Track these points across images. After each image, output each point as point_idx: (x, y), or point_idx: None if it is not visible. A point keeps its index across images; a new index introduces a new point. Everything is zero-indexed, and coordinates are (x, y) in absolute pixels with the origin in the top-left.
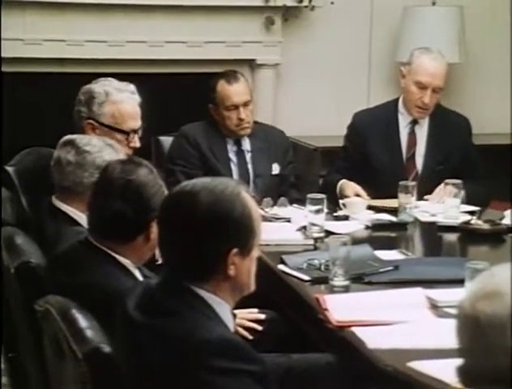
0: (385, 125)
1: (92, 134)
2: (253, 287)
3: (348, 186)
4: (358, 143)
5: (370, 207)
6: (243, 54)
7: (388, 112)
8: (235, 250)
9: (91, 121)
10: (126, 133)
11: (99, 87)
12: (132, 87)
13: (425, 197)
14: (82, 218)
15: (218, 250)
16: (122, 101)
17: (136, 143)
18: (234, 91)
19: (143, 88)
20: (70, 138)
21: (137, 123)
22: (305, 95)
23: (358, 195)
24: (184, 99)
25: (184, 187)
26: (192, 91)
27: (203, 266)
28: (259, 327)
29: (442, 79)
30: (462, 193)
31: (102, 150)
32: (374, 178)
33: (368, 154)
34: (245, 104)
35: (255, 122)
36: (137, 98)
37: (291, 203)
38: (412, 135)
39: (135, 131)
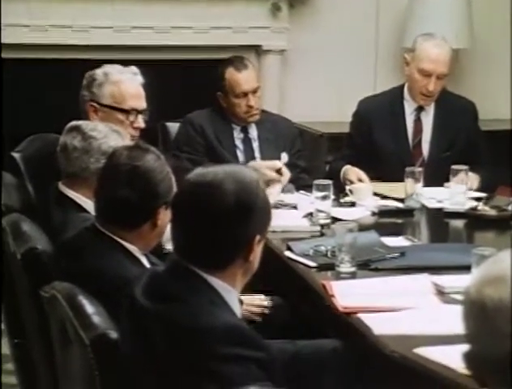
0: (390, 112)
1: (95, 117)
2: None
3: (351, 171)
4: (364, 130)
5: (376, 194)
6: (249, 40)
7: (393, 99)
8: (258, 238)
9: (93, 103)
10: (127, 112)
11: (100, 69)
12: (134, 68)
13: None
14: (88, 204)
15: (244, 238)
16: (122, 81)
17: (140, 124)
18: (243, 78)
19: (149, 74)
20: (76, 124)
21: (139, 103)
22: (311, 81)
23: (361, 180)
24: (190, 85)
25: (204, 176)
26: (198, 77)
27: (226, 254)
28: (266, 311)
29: (446, 65)
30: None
31: (108, 136)
32: (380, 166)
33: (374, 141)
34: (254, 91)
35: (263, 111)
36: (139, 78)
37: (302, 188)
38: (418, 122)
39: (139, 111)
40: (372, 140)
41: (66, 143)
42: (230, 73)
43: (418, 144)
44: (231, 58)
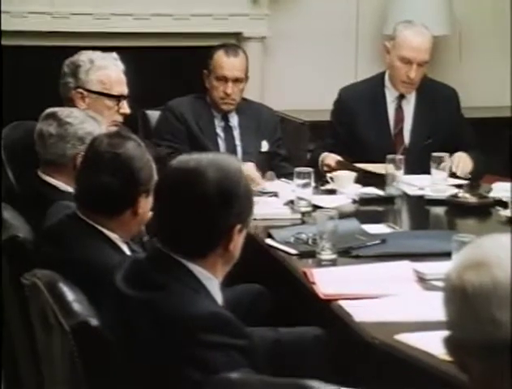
0: (372, 100)
1: (82, 104)
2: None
3: (329, 157)
4: (345, 119)
5: (358, 180)
6: (230, 27)
7: (375, 87)
8: (238, 226)
9: (79, 90)
10: (116, 98)
11: (83, 56)
12: (115, 55)
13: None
14: (68, 191)
15: (224, 226)
16: (108, 67)
17: (126, 109)
18: (229, 63)
19: (129, 62)
20: (52, 111)
21: (124, 89)
22: (292, 68)
23: (341, 165)
24: (170, 72)
25: (187, 163)
26: (178, 64)
27: (206, 242)
28: None
29: (427, 52)
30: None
31: (84, 121)
32: (362, 154)
33: (355, 130)
34: (236, 81)
35: (244, 99)
36: (120, 65)
37: (283, 176)
38: (399, 110)
39: (124, 97)
40: (353, 128)
41: (42, 130)
42: (218, 55)
43: (399, 133)
44: (226, 43)
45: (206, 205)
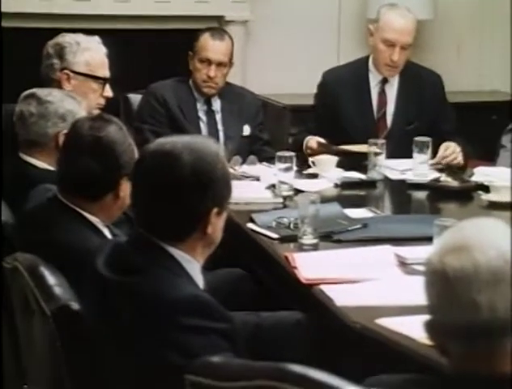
0: (355, 84)
1: (67, 85)
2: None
3: (312, 140)
4: (328, 102)
5: (338, 154)
6: (211, 10)
7: (358, 70)
8: (215, 210)
9: (66, 71)
10: (102, 80)
11: (67, 38)
12: (97, 38)
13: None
14: (51, 172)
15: (200, 210)
16: (94, 49)
17: (109, 93)
18: (213, 46)
19: (111, 45)
20: (31, 92)
21: (107, 72)
22: (274, 52)
23: (323, 146)
24: (152, 56)
25: (162, 146)
26: (160, 47)
27: (183, 226)
28: None
29: (410, 35)
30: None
31: (63, 100)
32: (345, 138)
33: (338, 113)
34: (219, 64)
35: (226, 83)
36: (103, 48)
37: (265, 160)
38: (382, 95)
39: (107, 80)
40: (336, 112)
41: (22, 110)
42: (204, 37)
43: (382, 117)
44: (213, 27)
45: (180, 188)
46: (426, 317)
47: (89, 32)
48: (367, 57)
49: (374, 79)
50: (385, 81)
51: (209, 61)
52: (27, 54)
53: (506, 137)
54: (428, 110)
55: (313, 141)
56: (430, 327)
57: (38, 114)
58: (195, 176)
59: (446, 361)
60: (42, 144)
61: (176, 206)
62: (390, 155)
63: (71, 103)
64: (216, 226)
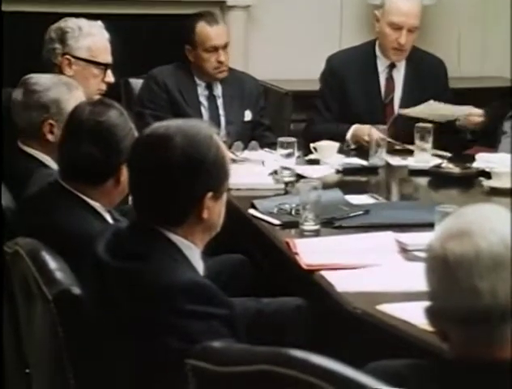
0: (363, 68)
1: (68, 71)
2: (219, 227)
3: (361, 130)
4: (336, 86)
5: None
6: None
7: (365, 55)
8: (210, 194)
9: (67, 56)
10: (104, 66)
11: (70, 23)
12: (100, 23)
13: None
14: (48, 160)
15: (193, 193)
16: (96, 34)
17: (110, 78)
18: (215, 32)
19: (112, 30)
20: (24, 79)
21: (109, 57)
22: (276, 37)
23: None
24: (154, 41)
25: (156, 130)
26: (162, 32)
27: (177, 210)
28: None
29: (417, 17)
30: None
31: (50, 89)
32: (352, 123)
33: (346, 98)
34: (225, 47)
35: (228, 68)
36: (105, 33)
37: (266, 146)
38: (390, 80)
39: (109, 66)
40: (344, 97)
41: (13, 98)
42: (201, 27)
43: (390, 102)
44: (201, 13)
45: (172, 171)
46: (427, 303)
47: (91, 16)
48: (373, 43)
49: (382, 65)
50: (392, 66)
51: (216, 48)
52: (29, 39)
53: (507, 123)
54: (431, 96)
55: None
56: (431, 313)
57: (23, 103)
58: (186, 159)
59: (447, 347)
60: (31, 133)
61: (168, 189)
62: (397, 140)
63: (59, 91)
64: (213, 211)
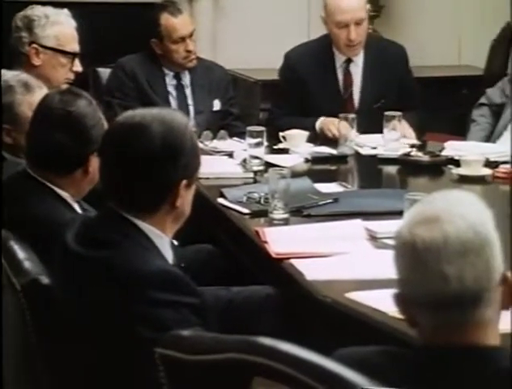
0: (320, 65)
1: (36, 60)
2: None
3: (330, 123)
4: (295, 81)
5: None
6: None
7: (323, 51)
8: (184, 182)
9: (34, 45)
10: (71, 55)
11: (36, 10)
12: (67, 11)
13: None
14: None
15: (170, 182)
16: (63, 23)
17: (78, 67)
18: (180, 23)
19: (79, 18)
20: None
21: (77, 46)
22: (245, 27)
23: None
24: (121, 29)
25: (131, 119)
26: (129, 21)
27: (152, 198)
28: None
29: (361, 10)
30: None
31: (5, 92)
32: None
33: (305, 93)
34: (191, 35)
35: (197, 57)
36: (73, 21)
37: (235, 135)
38: (348, 75)
39: (77, 55)
40: (303, 92)
41: None
42: (166, 18)
43: (350, 97)
44: (163, 4)
45: (150, 160)
46: (396, 289)
47: (55, 4)
48: (328, 37)
49: (339, 60)
50: (349, 61)
51: (183, 38)
52: None
53: (477, 111)
54: (394, 85)
55: (332, 126)
56: (400, 300)
57: None
58: (165, 147)
59: (417, 334)
60: None
61: (146, 178)
62: (360, 132)
63: (12, 95)
64: (185, 199)
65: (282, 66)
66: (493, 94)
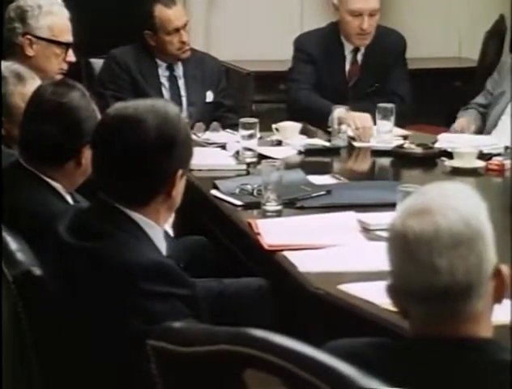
0: (329, 51)
1: (30, 51)
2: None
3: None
4: (307, 60)
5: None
6: None
7: (331, 38)
8: (180, 172)
9: (28, 36)
10: (65, 45)
11: (29, 1)
12: (60, 1)
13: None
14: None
15: (166, 172)
16: (57, 13)
17: (72, 58)
18: (174, 14)
19: (72, 8)
20: None
21: (71, 37)
22: (238, 18)
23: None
24: (115, 20)
25: (124, 110)
26: (123, 12)
27: (148, 189)
28: None
29: (376, 0)
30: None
31: None
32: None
33: (316, 74)
34: (184, 26)
35: (190, 49)
36: (66, 12)
37: (228, 127)
38: (355, 64)
39: (70, 45)
40: (314, 70)
41: None
42: (159, 10)
43: (355, 85)
44: None
45: (146, 152)
46: (388, 281)
47: None
48: (336, 26)
49: (347, 49)
50: (357, 50)
51: (177, 30)
52: None
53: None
54: (386, 71)
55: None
56: (392, 291)
57: None
58: (161, 138)
59: (408, 325)
60: None
61: (142, 169)
62: None
63: (5, 86)
64: (179, 189)
65: (295, 45)
66: (479, 98)
